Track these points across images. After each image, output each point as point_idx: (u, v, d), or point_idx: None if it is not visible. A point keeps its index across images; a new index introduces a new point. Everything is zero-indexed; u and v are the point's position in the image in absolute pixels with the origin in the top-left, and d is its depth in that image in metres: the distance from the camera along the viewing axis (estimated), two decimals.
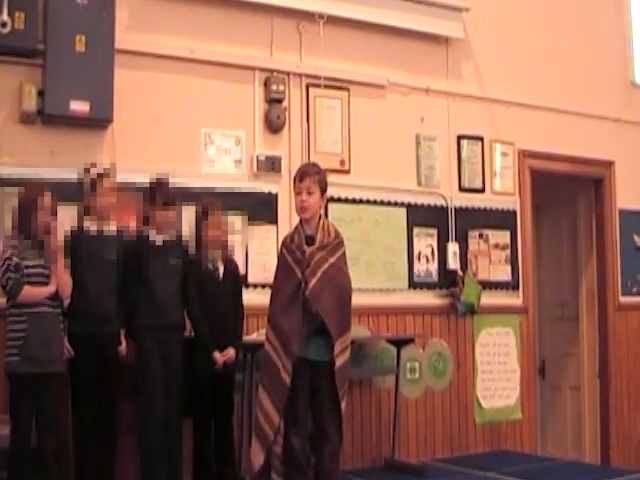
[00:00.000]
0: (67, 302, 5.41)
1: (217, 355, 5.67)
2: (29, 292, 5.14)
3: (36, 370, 5.08)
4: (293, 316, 5.02)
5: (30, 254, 5.22)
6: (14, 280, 5.13)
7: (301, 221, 5.22)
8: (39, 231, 5.22)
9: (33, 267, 5.21)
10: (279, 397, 5.02)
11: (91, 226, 5.59)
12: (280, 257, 5.26)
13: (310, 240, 5.14)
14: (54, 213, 5.31)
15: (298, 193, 5.18)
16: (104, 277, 5.51)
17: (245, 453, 5.93)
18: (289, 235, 5.29)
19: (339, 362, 5.03)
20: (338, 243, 5.21)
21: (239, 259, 6.22)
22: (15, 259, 5.17)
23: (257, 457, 5.10)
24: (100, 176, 5.60)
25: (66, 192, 5.53)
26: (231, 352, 5.73)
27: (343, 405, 5.08)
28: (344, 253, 5.24)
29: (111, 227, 5.65)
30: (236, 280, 6.00)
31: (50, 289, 5.21)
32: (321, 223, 5.20)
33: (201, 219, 5.85)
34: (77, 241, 5.50)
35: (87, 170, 5.64)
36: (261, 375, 5.23)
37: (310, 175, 5.18)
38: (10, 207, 5.38)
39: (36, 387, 5.12)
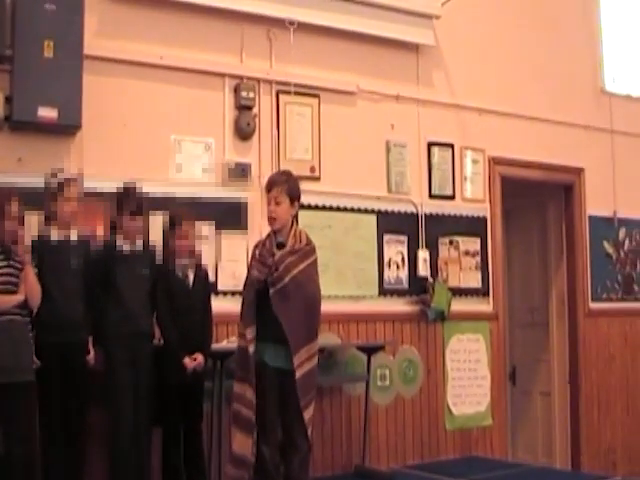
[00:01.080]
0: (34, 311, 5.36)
1: (187, 360, 5.63)
2: None
3: (4, 380, 4.99)
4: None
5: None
6: None
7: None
8: (6, 240, 5.15)
9: (1, 275, 5.12)
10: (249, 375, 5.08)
11: (53, 234, 5.52)
12: (251, 261, 5.29)
13: (281, 246, 5.15)
14: (21, 222, 5.23)
15: (268, 203, 5.19)
16: (69, 285, 5.45)
17: (214, 461, 5.92)
18: (261, 241, 5.34)
19: (300, 372, 5.03)
20: (309, 250, 5.22)
21: (209, 267, 6.20)
22: None
23: (244, 446, 5.11)
24: (63, 183, 5.54)
25: (33, 199, 5.46)
26: (200, 358, 5.69)
27: (307, 414, 5.08)
28: (315, 261, 5.25)
29: (74, 234, 5.58)
30: (206, 287, 5.98)
31: (19, 298, 5.13)
32: (293, 230, 5.21)
33: (170, 228, 5.81)
34: (40, 249, 5.42)
35: (54, 175, 5.58)
36: (235, 369, 5.24)
37: (278, 185, 5.18)
38: None
39: (5, 397, 5.04)
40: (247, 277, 5.31)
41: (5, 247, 5.16)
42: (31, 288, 5.18)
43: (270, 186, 5.20)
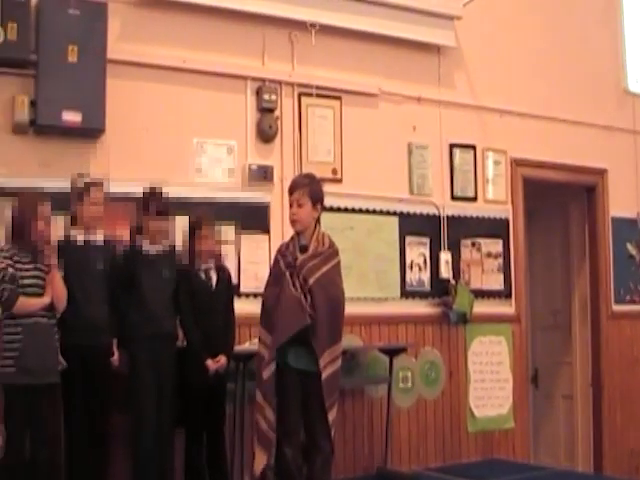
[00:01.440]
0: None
1: (209, 362, 5.65)
2: (24, 303, 5.11)
3: (31, 381, 5.05)
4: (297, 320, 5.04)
5: (26, 265, 5.19)
6: (9, 291, 5.09)
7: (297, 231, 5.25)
8: (39, 241, 5.19)
9: (29, 278, 5.18)
10: (269, 394, 5.08)
11: (78, 236, 5.56)
12: (274, 262, 5.31)
13: (304, 249, 5.16)
14: (49, 224, 5.28)
15: (290, 205, 5.21)
16: (93, 287, 5.49)
17: (237, 463, 5.94)
18: (285, 243, 5.35)
19: (326, 373, 5.02)
20: (332, 253, 5.21)
21: (231, 268, 6.21)
22: (11, 270, 5.13)
23: (259, 461, 5.12)
24: (88, 186, 5.58)
25: (58, 203, 5.49)
26: (223, 360, 5.71)
27: (332, 415, 5.07)
28: (338, 263, 5.24)
29: (98, 237, 5.62)
30: (228, 289, 6.00)
31: (45, 300, 5.17)
32: (315, 233, 5.21)
33: (194, 231, 5.84)
34: (64, 251, 5.44)
35: (80, 176, 5.63)
36: (257, 379, 5.24)
37: (300, 187, 5.19)
38: (3, 218, 5.37)
39: (31, 399, 5.09)
40: (268, 282, 5.32)
41: (33, 250, 5.21)
42: (57, 291, 5.22)
43: (293, 188, 5.21)
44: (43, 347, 5.13)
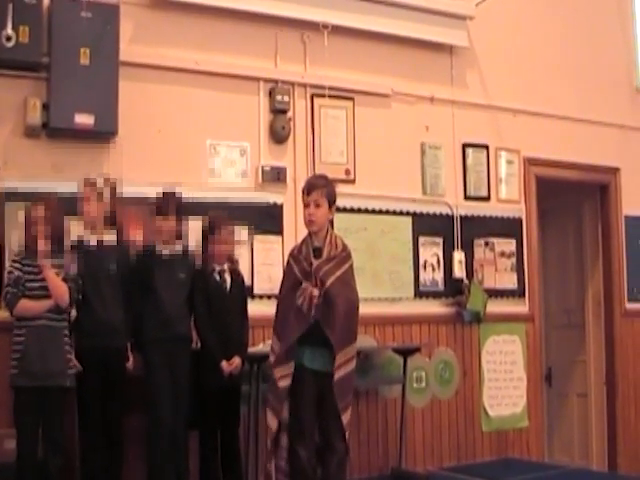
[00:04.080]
0: (73, 315, 5.40)
1: (224, 364, 5.66)
2: (26, 305, 5.12)
3: (33, 384, 5.06)
4: (298, 324, 5.06)
5: (34, 268, 5.20)
6: (11, 294, 5.13)
7: (309, 233, 5.24)
8: (33, 241, 5.20)
9: (36, 281, 5.19)
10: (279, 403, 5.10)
11: (90, 238, 5.56)
12: (287, 267, 5.31)
13: (317, 252, 5.16)
14: (48, 223, 5.25)
15: (306, 206, 5.20)
16: (107, 289, 5.49)
17: (251, 464, 5.95)
18: (297, 246, 5.33)
19: (339, 374, 5.02)
20: (345, 256, 5.22)
21: (244, 270, 6.22)
22: (16, 273, 5.16)
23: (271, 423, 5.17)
24: (88, 184, 5.58)
25: (72, 206, 5.53)
26: (237, 361, 5.71)
27: (346, 417, 5.07)
28: (351, 266, 5.24)
29: (109, 237, 5.62)
30: (242, 291, 6.01)
31: (50, 303, 5.17)
32: (329, 236, 5.21)
33: (209, 233, 5.85)
34: (78, 253, 5.47)
35: (88, 178, 5.64)
36: (269, 386, 5.26)
37: (318, 188, 5.19)
38: (16, 222, 5.41)
39: (40, 401, 5.10)
40: (282, 285, 5.31)
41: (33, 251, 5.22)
42: (54, 289, 5.18)
43: (310, 189, 5.20)
44: (46, 350, 5.11)
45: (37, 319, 5.13)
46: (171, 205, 5.72)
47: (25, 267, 5.20)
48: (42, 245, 5.21)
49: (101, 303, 5.45)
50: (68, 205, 5.49)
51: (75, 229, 5.57)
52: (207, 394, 5.71)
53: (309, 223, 5.20)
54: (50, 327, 5.17)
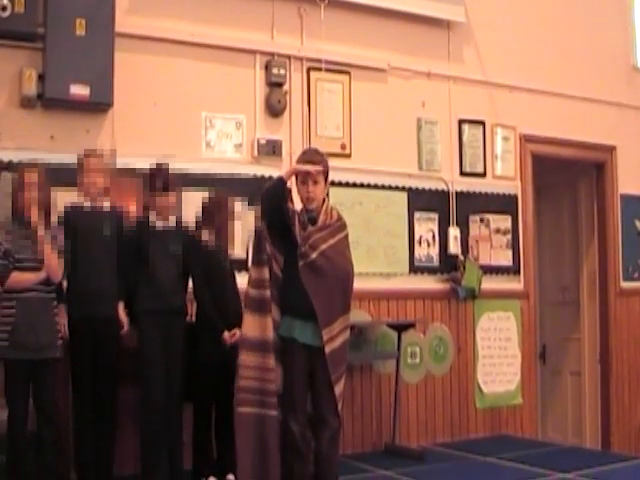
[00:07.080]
0: (65, 284, 5.38)
1: (226, 335, 5.62)
2: (17, 278, 5.09)
3: (24, 357, 5.04)
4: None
5: (24, 240, 5.17)
6: (2, 266, 5.09)
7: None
8: (25, 208, 5.16)
9: (25, 252, 5.15)
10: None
11: (85, 203, 5.54)
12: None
13: (312, 221, 5.12)
14: (41, 189, 5.22)
15: (303, 182, 5.13)
16: (100, 256, 5.45)
17: None
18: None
19: (330, 346, 4.97)
20: (340, 226, 5.17)
21: (240, 243, 6.21)
22: (5, 245, 5.13)
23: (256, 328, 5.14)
24: (86, 155, 5.55)
25: (66, 176, 5.51)
26: (238, 333, 5.62)
27: (338, 390, 5.02)
28: (346, 236, 5.20)
29: (105, 204, 5.59)
30: (231, 263, 5.98)
31: (40, 275, 5.14)
32: (324, 206, 5.17)
33: (214, 211, 5.82)
34: (71, 217, 5.45)
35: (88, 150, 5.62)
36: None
37: (316, 165, 5.14)
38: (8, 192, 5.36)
39: (30, 373, 5.09)
40: None
41: (28, 223, 5.17)
42: (49, 264, 5.17)
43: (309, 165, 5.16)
44: (36, 322, 5.10)
45: (27, 291, 5.11)
46: (159, 181, 5.67)
47: (15, 240, 5.16)
48: (35, 215, 5.17)
49: (92, 270, 5.41)
50: (63, 176, 5.47)
51: (63, 201, 5.52)
52: (204, 367, 5.66)
53: (308, 200, 5.12)
54: (40, 299, 5.15)
